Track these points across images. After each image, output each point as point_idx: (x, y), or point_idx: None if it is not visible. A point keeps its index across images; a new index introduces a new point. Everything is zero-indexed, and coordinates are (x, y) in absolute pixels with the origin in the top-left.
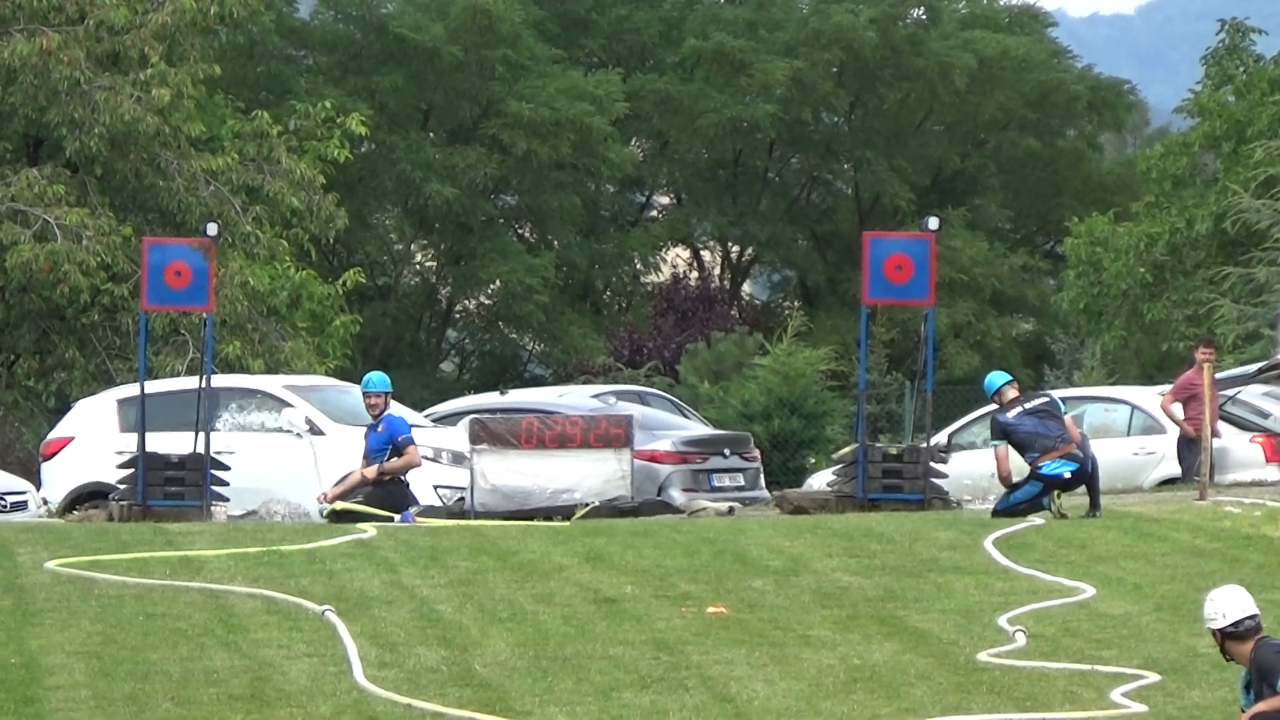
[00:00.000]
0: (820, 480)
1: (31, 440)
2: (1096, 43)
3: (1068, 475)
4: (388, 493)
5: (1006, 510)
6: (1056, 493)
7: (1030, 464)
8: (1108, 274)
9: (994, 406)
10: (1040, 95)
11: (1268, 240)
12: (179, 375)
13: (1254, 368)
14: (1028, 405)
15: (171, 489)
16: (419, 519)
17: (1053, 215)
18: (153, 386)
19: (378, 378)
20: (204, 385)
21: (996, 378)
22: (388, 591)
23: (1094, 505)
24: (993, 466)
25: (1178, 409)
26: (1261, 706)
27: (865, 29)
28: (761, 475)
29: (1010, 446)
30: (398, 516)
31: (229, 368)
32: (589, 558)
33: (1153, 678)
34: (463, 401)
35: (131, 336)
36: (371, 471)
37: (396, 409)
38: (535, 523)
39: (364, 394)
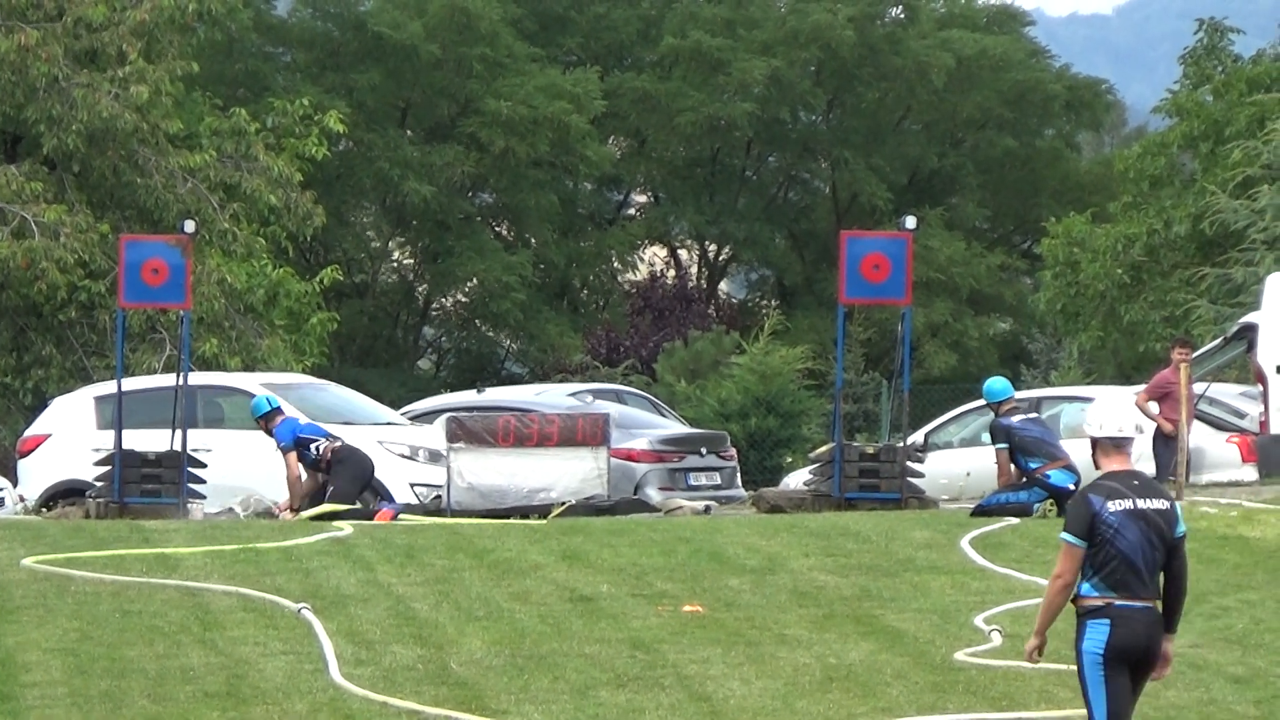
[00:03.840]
0: (797, 479)
1: (8, 437)
2: (1074, 42)
3: (1071, 486)
4: (317, 490)
5: (991, 509)
6: (1050, 502)
7: (1033, 471)
8: (1085, 275)
9: (976, 405)
10: (1018, 95)
11: (1245, 241)
12: (156, 373)
13: (1220, 340)
14: (1026, 414)
15: (148, 486)
16: (401, 517)
17: (1030, 215)
18: (130, 384)
19: (254, 403)
20: (181, 383)
21: (1005, 388)
22: (364, 589)
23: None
24: (969, 465)
25: (1153, 407)
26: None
27: (843, 28)
28: (738, 474)
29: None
30: (384, 507)
31: (206, 365)
32: (565, 556)
33: None
34: (440, 399)
35: (109, 334)
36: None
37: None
38: (512, 521)
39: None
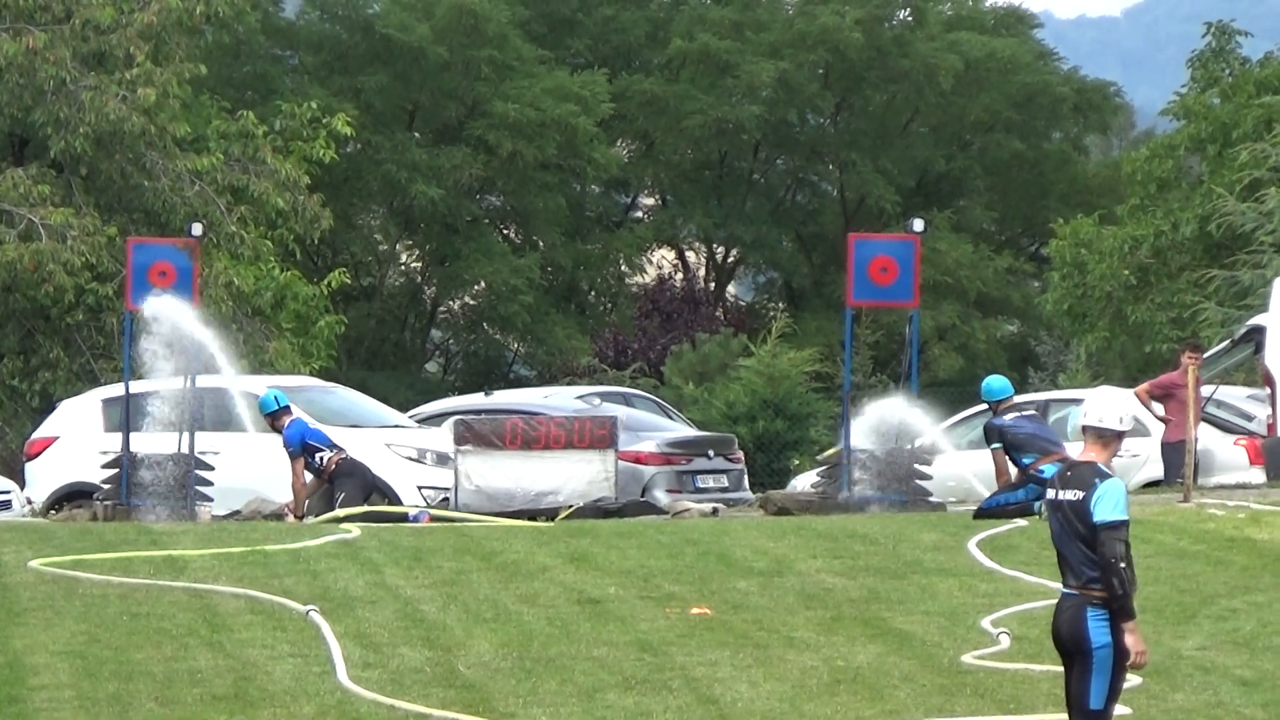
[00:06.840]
0: (804, 482)
1: (15, 440)
2: (1083, 45)
3: None
4: (320, 495)
5: (993, 511)
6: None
7: (1027, 467)
8: (1092, 276)
9: (980, 409)
10: (1026, 97)
11: (1252, 243)
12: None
13: (1227, 342)
14: (1022, 411)
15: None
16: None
17: (1038, 217)
18: (137, 387)
19: (262, 400)
20: (188, 386)
21: (1005, 387)
22: (372, 592)
23: None
24: (976, 468)
25: (1155, 406)
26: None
27: (851, 30)
28: (745, 477)
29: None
30: (410, 514)
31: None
32: (573, 558)
33: (1136, 680)
34: (447, 402)
35: (116, 336)
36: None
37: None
38: (519, 523)
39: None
